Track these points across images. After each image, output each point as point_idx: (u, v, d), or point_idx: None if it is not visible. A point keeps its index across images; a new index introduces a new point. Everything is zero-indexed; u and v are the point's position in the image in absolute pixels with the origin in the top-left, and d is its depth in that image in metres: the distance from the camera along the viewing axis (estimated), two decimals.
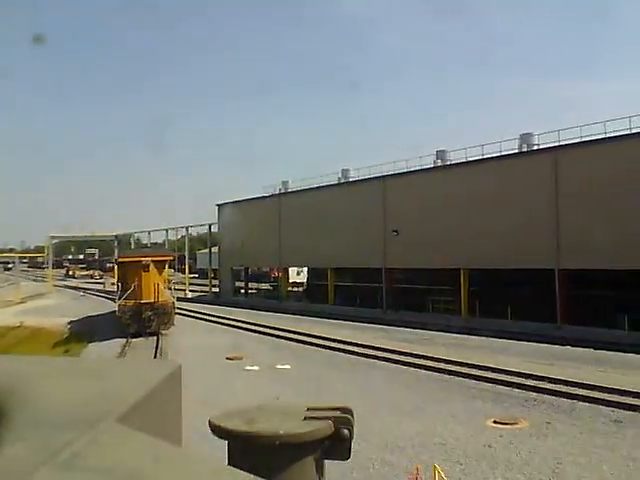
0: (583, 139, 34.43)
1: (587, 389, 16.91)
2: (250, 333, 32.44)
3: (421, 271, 43.24)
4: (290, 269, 64.53)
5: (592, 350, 25.33)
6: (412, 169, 45.45)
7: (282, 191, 61.26)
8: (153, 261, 32.07)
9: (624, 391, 16.45)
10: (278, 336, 30.34)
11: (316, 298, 53.47)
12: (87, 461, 0.79)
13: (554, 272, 34.10)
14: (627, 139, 31.90)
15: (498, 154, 39.72)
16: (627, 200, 30.57)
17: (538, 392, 17.22)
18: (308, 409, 1.65)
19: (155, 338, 29.92)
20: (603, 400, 15.82)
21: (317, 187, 54.66)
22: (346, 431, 1.57)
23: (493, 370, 20.02)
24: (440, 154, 45.57)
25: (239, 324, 35.44)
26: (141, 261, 31.81)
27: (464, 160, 42.22)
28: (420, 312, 41.32)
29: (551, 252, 34.00)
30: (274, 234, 56.90)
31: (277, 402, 1.84)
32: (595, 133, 33.99)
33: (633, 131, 32.27)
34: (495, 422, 14.51)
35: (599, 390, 16.73)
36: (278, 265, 60.70)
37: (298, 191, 58.14)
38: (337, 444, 1.56)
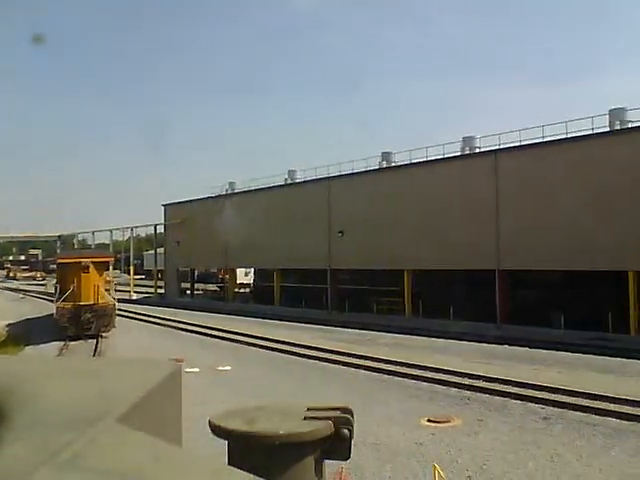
0: (522, 142, 35.27)
1: (519, 387, 17.31)
2: (193, 335, 32.11)
3: (366, 272, 43.56)
4: (238, 270, 64.22)
5: (528, 349, 25.90)
6: (357, 171, 45.74)
7: (229, 192, 60.91)
8: (93, 262, 31.40)
9: (555, 389, 16.89)
10: (221, 337, 30.14)
11: (262, 299, 53.38)
12: (87, 461, 0.79)
13: (494, 273, 34.76)
14: (565, 143, 32.77)
15: (442, 156, 40.34)
16: (562, 202, 31.39)
17: (473, 391, 17.51)
18: (308, 409, 1.68)
19: (95, 341, 29.33)
20: (534, 397, 16.19)
21: (264, 188, 54.54)
22: (346, 431, 1.60)
23: (431, 369, 20.28)
24: (385, 156, 46.03)
25: (182, 325, 35.07)
26: (80, 262, 31.11)
27: (409, 162, 42.71)
28: (365, 313, 41.62)
29: (491, 253, 34.67)
30: (220, 234, 56.49)
31: (277, 402, 1.80)
32: (534, 137, 34.92)
33: (569, 135, 33.18)
34: (429, 421, 14.69)
35: (531, 388, 17.14)
36: (224, 266, 60.29)
37: (245, 192, 57.90)
38: (337, 444, 1.59)
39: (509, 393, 16.81)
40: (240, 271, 65.31)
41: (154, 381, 1.21)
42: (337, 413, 1.63)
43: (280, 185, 54.03)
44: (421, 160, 41.36)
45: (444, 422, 14.54)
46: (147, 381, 1.20)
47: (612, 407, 14.88)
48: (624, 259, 29.26)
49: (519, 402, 16.10)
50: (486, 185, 35.29)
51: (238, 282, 65.14)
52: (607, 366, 21.68)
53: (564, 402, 15.60)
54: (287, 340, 27.72)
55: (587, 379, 18.86)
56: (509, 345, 27.20)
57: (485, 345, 27.41)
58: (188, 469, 0.88)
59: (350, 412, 1.64)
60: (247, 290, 63.85)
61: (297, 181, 53.68)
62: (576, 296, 31.51)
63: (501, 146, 36.40)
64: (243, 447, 1.52)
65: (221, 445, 1.37)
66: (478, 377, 18.85)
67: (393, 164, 45.23)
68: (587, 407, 15.13)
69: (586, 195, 30.50)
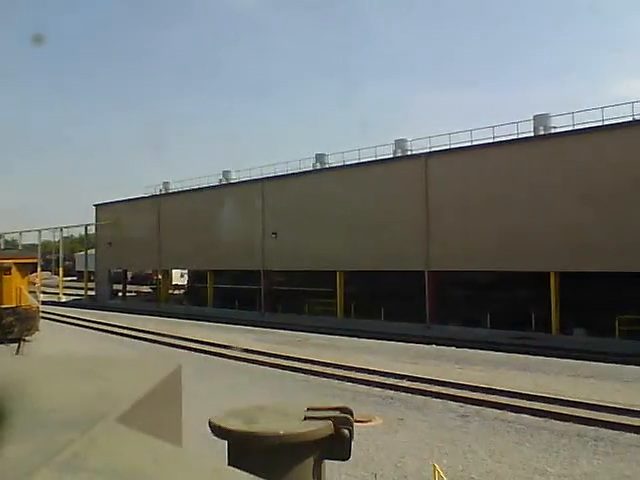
0: (452, 146, 35.97)
1: (441, 386, 17.61)
2: (121, 337, 31.40)
3: (300, 273, 43.57)
4: (174, 271, 63.41)
5: (455, 349, 26.41)
6: (291, 172, 45.75)
7: (163, 192, 59.99)
8: (15, 264, 30.34)
9: (475, 387, 17.25)
10: (148, 339, 29.60)
11: (196, 301, 52.80)
12: (87, 461, 0.78)
13: (424, 274, 35.30)
14: (492, 147, 33.58)
15: (374, 158, 40.72)
16: (488, 205, 32.15)
17: (396, 390, 17.71)
18: (308, 409, 1.70)
19: (16, 345, 28.34)
20: (454, 396, 16.47)
21: (198, 188, 53.98)
22: (346, 431, 1.64)
23: (357, 370, 20.41)
24: (319, 157, 46.18)
25: (110, 328, 34.27)
26: (2, 264, 30.04)
27: (342, 164, 42.99)
28: (298, 314, 41.63)
29: (421, 254, 35.21)
30: (154, 236, 55.62)
31: (277, 402, 1.70)
32: (463, 141, 35.64)
33: (497, 139, 34.02)
34: (356, 421, 14.75)
35: (452, 386, 17.47)
36: (158, 267, 59.34)
37: (179, 192, 57.16)
38: (337, 444, 1.62)
39: (431, 392, 17.06)
40: (176, 272, 64.48)
41: (154, 381, 1.20)
42: (337, 413, 1.66)
43: (214, 185, 53.55)
44: (354, 162, 41.67)
45: (365, 422, 14.62)
46: (147, 381, 1.19)
47: (527, 404, 15.28)
48: (546, 260, 30.18)
49: (439, 401, 16.36)
50: (416, 187, 35.84)
51: (173, 283, 64.29)
52: (528, 364, 22.30)
53: (482, 400, 15.94)
54: (219, 342, 27.44)
55: (507, 377, 19.37)
56: (437, 345, 27.66)
57: (413, 345, 27.78)
58: (188, 469, 0.88)
59: (350, 412, 1.68)
60: (182, 292, 63.01)
61: (231, 181, 53.30)
62: (502, 296, 32.35)
63: (431, 149, 37.05)
64: (243, 447, 1.53)
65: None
66: (402, 377, 19.09)
67: (327, 166, 45.39)
68: (504, 404, 15.50)
69: (511, 198, 31.34)
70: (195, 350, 26.11)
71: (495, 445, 12.57)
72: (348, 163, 42.36)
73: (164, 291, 58.87)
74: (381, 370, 20.04)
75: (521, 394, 16.14)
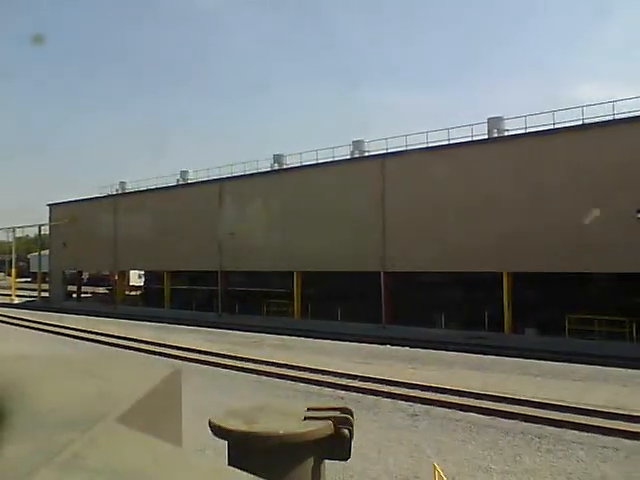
0: (408, 147, 36.26)
1: (393, 385, 17.70)
2: (72, 339, 30.83)
3: (257, 274, 43.43)
4: (132, 272, 62.65)
5: (409, 349, 26.60)
6: (249, 172, 45.57)
7: (119, 192, 59.16)
8: None
9: (427, 386, 17.38)
10: (99, 341, 29.12)
11: (153, 302, 52.18)
12: (87, 461, 0.78)
13: (379, 275, 35.49)
14: (446, 149, 33.95)
15: (332, 159, 40.79)
16: (443, 207, 32.49)
17: (348, 390, 17.73)
18: (308, 409, 1.69)
19: None
20: (405, 395, 16.57)
21: (155, 188, 53.39)
22: (346, 431, 1.64)
23: (310, 370, 20.39)
24: (277, 158, 46.05)
25: (62, 330, 33.63)
26: None
27: (299, 164, 42.99)
28: (255, 315, 41.52)
29: (377, 255, 35.39)
30: (109, 236, 54.79)
31: (277, 402, 1.62)
32: (419, 142, 35.95)
33: (452, 142, 34.40)
34: None
35: (403, 386, 17.57)
36: (114, 268, 58.47)
37: (135, 192, 56.44)
38: (337, 444, 1.63)
39: (382, 392, 17.12)
40: (134, 273, 63.72)
41: (154, 381, 1.20)
42: (337, 413, 1.65)
43: (172, 186, 53.02)
44: (312, 163, 41.70)
45: None
46: (147, 381, 1.18)
47: (476, 403, 15.44)
48: (499, 261, 30.63)
49: (390, 400, 16.43)
50: (373, 188, 36.03)
51: (131, 285, 63.47)
52: (480, 364, 22.57)
53: (432, 399, 16.05)
54: (172, 344, 27.14)
55: (459, 376, 19.56)
56: (391, 345, 27.83)
57: (368, 345, 27.90)
58: (188, 469, 0.87)
59: (350, 412, 1.67)
60: (139, 293, 62.23)
61: (189, 182, 52.84)
62: (457, 297, 32.73)
63: (388, 150, 37.27)
64: (243, 447, 1.52)
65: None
66: (354, 377, 19.13)
67: (285, 166, 45.31)
68: (453, 403, 15.64)
69: (465, 199, 31.72)
70: (145, 351, 25.77)
71: (442, 444, 12.67)
72: (306, 164, 42.37)
73: (120, 292, 58.07)
74: (334, 370, 20.06)
75: (470, 393, 16.32)
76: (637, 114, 28.23)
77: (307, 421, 1.63)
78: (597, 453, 11.74)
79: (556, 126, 30.57)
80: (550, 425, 13.51)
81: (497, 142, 32.99)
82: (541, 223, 29.32)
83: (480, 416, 14.56)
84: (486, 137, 33.92)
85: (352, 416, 1.61)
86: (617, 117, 28.85)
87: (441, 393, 16.67)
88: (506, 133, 33.60)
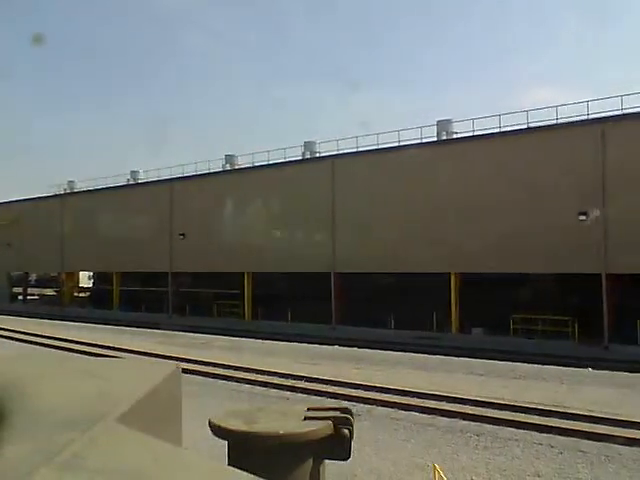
0: (359, 149, 36.47)
1: (336, 386, 17.77)
2: (13, 342, 30.11)
3: (208, 275, 43.12)
4: (81, 273, 61.35)
5: (357, 349, 26.74)
6: (200, 172, 45.22)
7: (67, 191, 58.00)
8: None
9: (370, 386, 17.50)
10: (44, 344, 28.48)
11: (101, 304, 51.28)
12: (87, 461, 0.77)
13: (330, 275, 35.62)
14: (396, 151, 34.26)
15: (283, 160, 40.76)
16: (393, 208, 32.79)
17: (293, 391, 17.72)
18: (308, 409, 1.69)
19: None
20: (349, 396, 16.59)
21: (104, 188, 52.50)
22: (346, 431, 1.63)
23: (256, 371, 20.30)
24: (229, 158, 45.82)
25: (3, 333, 32.82)
26: None
27: (251, 165, 42.85)
28: (206, 316, 41.22)
29: (328, 256, 35.49)
30: (57, 236, 53.69)
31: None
32: (370, 144, 36.20)
33: (402, 143, 34.71)
34: None
35: (347, 386, 17.66)
36: (62, 269, 57.29)
37: (84, 192, 55.42)
38: (337, 444, 1.62)
39: (326, 392, 17.15)
40: (83, 274, 62.45)
41: (154, 381, 1.20)
42: (337, 413, 1.63)
43: (122, 185, 52.22)
44: (263, 163, 41.61)
45: None
46: (147, 381, 1.19)
47: (418, 402, 15.59)
48: (446, 262, 31.04)
49: (334, 400, 16.44)
50: (324, 189, 36.13)
51: (80, 286, 62.23)
52: (426, 363, 22.83)
53: (375, 399, 16.15)
54: (118, 346, 26.71)
55: (404, 376, 19.73)
56: (340, 346, 27.94)
57: (317, 346, 27.96)
58: (188, 469, 0.87)
59: (350, 412, 1.65)
60: (88, 294, 61.07)
61: (139, 182, 52.12)
62: (406, 298, 33.00)
63: (339, 152, 37.42)
64: (243, 447, 1.52)
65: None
66: (300, 378, 19.13)
67: (237, 167, 45.09)
68: (395, 403, 15.76)
69: (413, 200, 32.06)
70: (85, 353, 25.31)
71: (382, 443, 12.75)
72: (257, 164, 42.26)
73: (68, 294, 56.93)
74: (280, 371, 20.02)
75: (413, 392, 16.48)
76: (580, 118, 28.94)
77: (307, 421, 1.64)
78: (532, 450, 11.98)
79: (503, 129, 31.17)
80: (488, 423, 13.73)
81: (445, 144, 33.43)
82: (486, 226, 29.83)
83: (421, 415, 14.71)
84: (435, 139, 34.36)
85: (352, 416, 1.61)
86: (560, 121, 29.51)
87: (384, 393, 16.79)
88: (454, 135, 34.05)
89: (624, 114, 27.28)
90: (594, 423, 13.21)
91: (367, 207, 33.87)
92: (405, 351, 25.86)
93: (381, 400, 16.03)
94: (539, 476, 10.50)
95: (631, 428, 12.74)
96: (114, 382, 1.22)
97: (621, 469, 10.73)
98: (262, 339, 30.59)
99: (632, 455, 11.34)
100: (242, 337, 31.48)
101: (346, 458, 1.68)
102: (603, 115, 27.87)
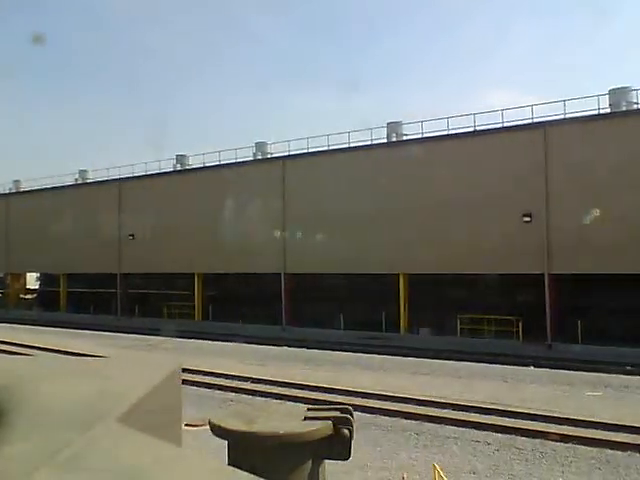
0: (310, 150, 36.51)
1: (282, 387, 17.78)
2: None
3: (158, 276, 42.62)
4: (29, 275, 59.85)
5: (306, 350, 26.76)
6: (150, 172, 44.65)
7: (12, 191, 56.58)
8: None
9: (316, 387, 17.56)
10: None
11: (48, 305, 50.17)
12: (87, 461, 0.77)
13: (280, 276, 35.58)
14: (347, 151, 34.42)
15: (234, 160, 40.53)
16: (343, 210, 32.94)
17: (238, 392, 17.66)
18: (308, 409, 1.69)
19: None
20: (294, 396, 16.57)
21: (52, 187, 51.37)
22: (346, 431, 1.62)
23: (203, 373, 20.13)
24: (180, 158, 45.33)
25: None
26: None
27: (202, 165, 42.51)
28: (156, 318, 40.70)
29: (279, 257, 35.46)
30: (1, 237, 52.37)
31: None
32: (320, 145, 36.27)
33: (352, 145, 34.88)
34: (187, 425, 14.49)
35: (293, 387, 17.67)
36: (6, 270, 55.88)
37: (30, 191, 54.11)
38: (337, 444, 1.62)
39: (271, 393, 17.15)
40: (31, 276, 60.94)
41: (154, 381, 1.19)
42: (337, 413, 1.63)
43: (69, 185, 51.20)
44: (214, 164, 41.31)
45: (200, 425, 14.41)
46: (147, 381, 1.18)
47: (362, 402, 15.65)
48: (396, 263, 31.33)
49: (279, 401, 16.42)
50: (274, 190, 36.09)
51: (27, 288, 60.72)
52: (373, 363, 22.98)
53: (319, 399, 16.16)
54: (63, 349, 26.17)
55: (351, 376, 19.84)
56: (289, 347, 27.92)
57: (266, 347, 27.87)
58: (188, 469, 0.86)
59: (350, 412, 1.64)
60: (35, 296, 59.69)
61: (88, 181, 51.18)
62: (356, 299, 33.21)
63: (290, 153, 37.42)
64: (243, 447, 1.53)
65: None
66: (246, 379, 19.06)
67: (187, 167, 44.67)
68: (340, 403, 15.69)
69: (364, 203, 32.27)
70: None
71: None
72: (208, 165, 41.94)
73: (14, 295, 55.56)
74: (226, 373, 19.94)
75: (357, 392, 16.59)
76: (526, 122, 29.53)
77: (307, 421, 1.63)
78: (470, 447, 12.17)
79: (450, 132, 31.62)
80: (430, 422, 13.90)
81: (394, 146, 33.73)
82: (434, 227, 30.22)
83: (364, 414, 14.76)
84: (385, 141, 34.64)
85: (352, 416, 1.60)
86: (506, 124, 30.08)
87: (329, 393, 16.86)
88: (404, 137, 34.39)
89: (566, 118, 27.96)
90: (531, 420, 13.51)
91: (317, 208, 33.93)
92: (353, 351, 26.01)
93: (325, 400, 16.03)
94: (474, 473, 10.67)
95: (566, 425, 13.07)
96: (114, 382, 1.22)
97: (554, 465, 10.99)
98: (211, 340, 30.39)
99: (565, 452, 11.61)
100: (191, 338, 31.19)
101: (346, 458, 1.69)
102: (546, 119, 28.52)
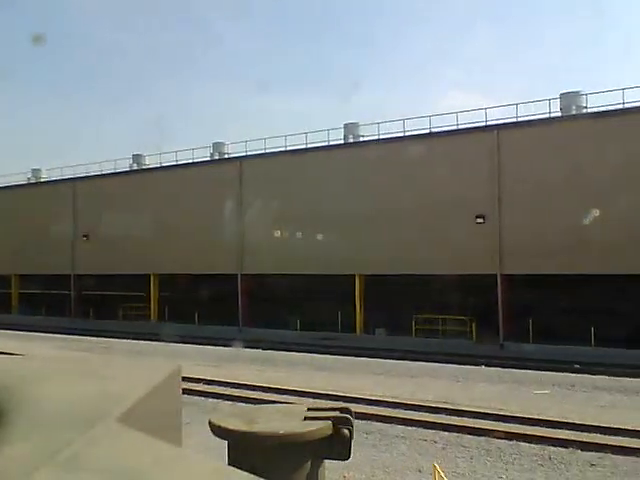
0: (267, 150, 36.46)
1: (234, 388, 17.74)
2: None
3: (113, 277, 42.04)
4: None
5: (261, 351, 26.72)
6: (105, 172, 44.06)
7: None
8: None
9: (267, 387, 17.56)
10: None
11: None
12: (87, 461, 0.77)
13: (237, 277, 35.46)
14: (300, 153, 34.47)
15: (191, 160, 40.27)
16: (299, 210, 32.99)
17: (190, 394, 17.42)
18: (308, 409, 1.68)
19: None
20: (245, 397, 16.57)
21: (2, 187, 50.25)
22: (346, 431, 1.61)
23: None
24: (136, 158, 44.85)
25: None
26: None
27: (158, 165, 42.13)
28: (111, 319, 40.20)
29: (235, 257, 35.33)
30: None
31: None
32: (277, 146, 36.27)
33: (309, 145, 34.95)
34: None
35: (245, 388, 17.66)
36: None
37: None
38: (337, 444, 1.60)
39: (223, 395, 17.07)
40: None
41: (154, 381, 1.18)
42: (337, 413, 1.61)
43: (21, 184, 50.15)
44: (171, 164, 40.97)
45: None
46: (147, 381, 1.17)
47: (312, 403, 15.69)
48: (352, 264, 31.49)
49: (230, 403, 16.37)
50: (231, 191, 35.95)
51: None
52: (327, 364, 23.04)
53: (270, 400, 16.10)
54: (9, 352, 25.62)
55: (303, 377, 19.87)
56: (244, 347, 27.80)
57: (221, 348, 27.75)
58: (188, 469, 0.86)
59: (350, 412, 1.62)
60: None
61: (41, 180, 50.23)
62: (313, 299, 33.26)
63: (247, 153, 37.34)
64: (243, 447, 1.53)
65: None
66: (199, 380, 18.89)
67: (144, 167, 44.20)
68: (290, 404, 15.75)
69: (320, 204, 32.36)
70: None
71: None
72: (165, 165, 41.56)
73: None
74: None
75: (309, 392, 16.62)
76: (479, 124, 30.00)
77: (307, 421, 1.62)
78: (417, 446, 12.28)
79: (407, 133, 31.93)
80: (379, 421, 13.96)
81: (350, 147, 33.90)
82: (390, 228, 30.45)
83: None
84: (342, 142, 34.80)
85: (352, 416, 1.57)
86: (461, 127, 30.50)
87: (280, 394, 16.83)
88: (361, 139, 34.59)
89: (517, 121, 28.49)
90: (479, 419, 13.70)
91: (274, 208, 33.89)
92: (309, 352, 26.04)
93: (276, 401, 15.99)
94: (420, 471, 10.77)
95: (512, 423, 13.29)
96: (114, 382, 1.20)
97: (498, 462, 11.16)
98: (166, 342, 30.06)
99: (510, 449, 11.80)
100: (146, 340, 30.82)
101: (346, 458, 1.68)
102: (499, 122, 29.02)
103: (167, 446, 0.98)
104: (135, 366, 1.56)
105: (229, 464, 1.48)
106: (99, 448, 0.86)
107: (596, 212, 25.83)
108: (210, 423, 1.66)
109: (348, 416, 1.71)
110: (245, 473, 0.96)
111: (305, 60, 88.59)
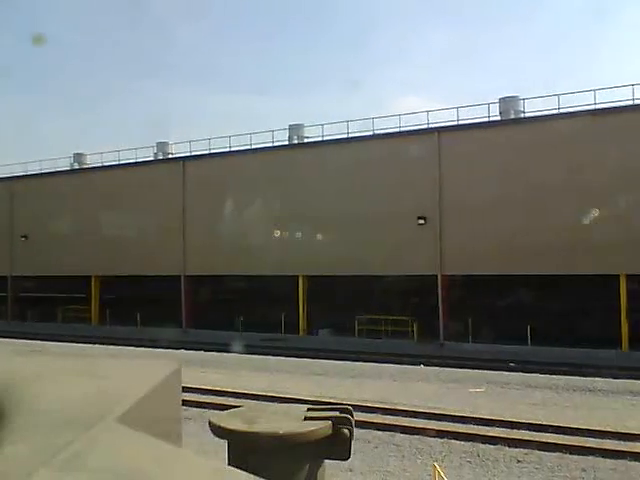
0: (211, 151, 36.25)
1: None
2: None
3: (53, 279, 41.11)
4: None
5: (203, 352, 26.54)
6: (45, 171, 43.06)
7: None
8: None
9: (208, 390, 17.45)
10: None
11: None
12: (87, 461, 0.77)
13: (180, 278, 35.16)
14: (248, 153, 34.39)
15: (134, 160, 39.72)
16: (247, 211, 32.90)
17: None
18: (308, 409, 1.65)
19: None
20: (185, 400, 16.44)
21: None
22: (346, 431, 1.57)
23: None
24: (77, 157, 43.98)
25: None
26: None
27: (100, 164, 41.42)
28: (50, 322, 39.28)
29: (178, 259, 35.01)
30: None
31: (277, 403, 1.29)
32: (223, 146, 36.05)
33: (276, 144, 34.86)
34: None
35: (186, 390, 17.43)
36: None
37: None
38: (337, 444, 1.56)
39: None
40: None
41: (154, 381, 1.18)
42: (337, 413, 1.59)
43: None
44: (113, 163, 40.32)
45: None
46: (147, 381, 1.17)
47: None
48: (296, 265, 31.58)
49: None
50: (174, 192, 35.63)
51: None
52: (269, 365, 23.02)
53: (210, 402, 16.08)
54: None
55: (245, 378, 19.85)
56: (187, 349, 27.58)
57: (164, 350, 27.33)
58: (188, 469, 0.85)
59: (350, 412, 1.60)
60: None
61: None
62: (257, 300, 33.20)
63: (192, 153, 37.04)
64: (243, 447, 1.49)
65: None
66: None
67: (85, 166, 43.36)
68: (229, 405, 15.62)
69: (263, 205, 32.35)
70: None
71: (207, 446, 12.70)
72: (107, 164, 40.88)
73: None
74: None
75: (247, 394, 16.61)
76: (421, 127, 30.47)
77: (307, 421, 1.60)
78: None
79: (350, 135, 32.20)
80: None
81: (298, 148, 33.99)
82: (333, 229, 30.68)
83: None
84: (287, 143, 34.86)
85: (352, 416, 1.55)
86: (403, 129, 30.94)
87: (221, 396, 16.78)
88: (305, 140, 34.71)
89: (458, 124, 29.06)
90: (413, 417, 13.93)
91: (217, 209, 33.72)
92: (251, 353, 25.98)
93: (214, 403, 15.93)
94: (351, 470, 10.88)
95: (445, 421, 13.56)
96: (114, 382, 1.19)
97: (428, 460, 11.35)
98: (106, 344, 29.59)
99: (440, 447, 12.04)
100: (86, 343, 30.23)
101: (346, 458, 1.67)
102: (440, 125, 29.56)
103: (167, 446, 0.99)
104: (135, 366, 1.58)
105: (229, 464, 1.47)
106: (99, 448, 0.86)
107: (532, 216, 26.53)
108: (210, 423, 1.67)
109: (348, 416, 1.74)
110: (245, 473, 0.97)
111: (267, 62, 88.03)
